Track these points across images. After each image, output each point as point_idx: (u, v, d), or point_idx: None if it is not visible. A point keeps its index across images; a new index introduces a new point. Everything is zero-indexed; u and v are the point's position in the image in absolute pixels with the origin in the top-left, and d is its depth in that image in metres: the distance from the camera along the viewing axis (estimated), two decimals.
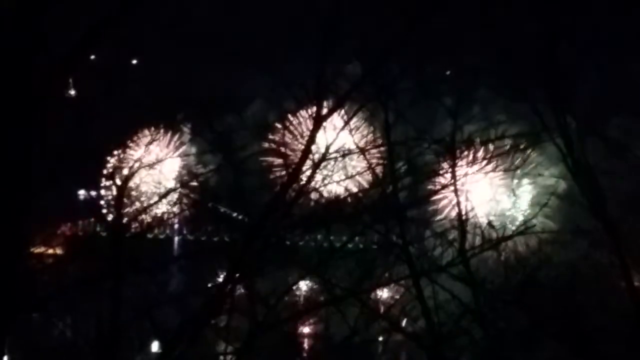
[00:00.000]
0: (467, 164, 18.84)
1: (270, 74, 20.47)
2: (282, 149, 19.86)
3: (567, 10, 18.45)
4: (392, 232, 18.02)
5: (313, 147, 16.16)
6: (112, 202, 19.65)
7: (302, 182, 16.38)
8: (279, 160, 21.26)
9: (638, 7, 20.12)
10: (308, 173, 16.29)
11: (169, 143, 25.20)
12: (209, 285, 19.10)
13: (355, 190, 18.57)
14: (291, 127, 22.35)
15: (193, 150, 24.61)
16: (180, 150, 25.59)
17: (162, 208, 20.58)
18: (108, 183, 21.09)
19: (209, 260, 20.49)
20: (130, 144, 23.92)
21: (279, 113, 22.66)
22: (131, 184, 19.98)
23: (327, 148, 16.51)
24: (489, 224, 19.07)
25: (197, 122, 23.17)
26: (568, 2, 18.67)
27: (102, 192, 23.65)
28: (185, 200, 21.21)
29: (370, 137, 19.85)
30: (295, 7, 18.17)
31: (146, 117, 22.80)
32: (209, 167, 22.52)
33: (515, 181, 21.21)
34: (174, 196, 20.85)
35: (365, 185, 19.30)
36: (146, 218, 19.23)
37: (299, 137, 21.10)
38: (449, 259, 17.90)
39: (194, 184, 21.73)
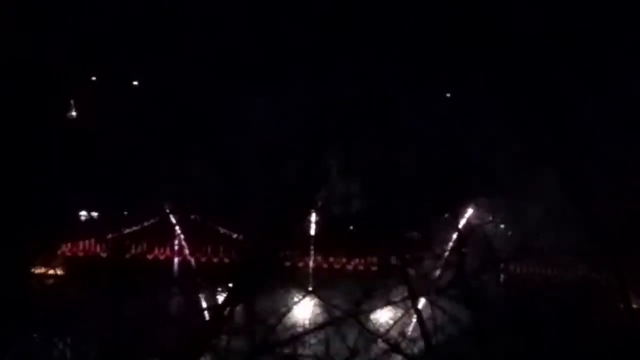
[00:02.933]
0: (467, 185, 18.88)
1: (271, 96, 20.52)
2: (283, 172, 19.90)
3: (567, 34, 18.52)
4: (391, 253, 18.05)
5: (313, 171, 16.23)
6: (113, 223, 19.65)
7: (303, 205, 16.44)
8: (280, 183, 21.28)
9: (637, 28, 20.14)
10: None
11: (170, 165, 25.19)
12: (209, 305, 19.08)
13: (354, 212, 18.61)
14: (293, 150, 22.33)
15: (194, 171, 24.61)
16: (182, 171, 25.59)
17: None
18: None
19: (209, 281, 20.48)
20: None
21: (281, 136, 22.67)
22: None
23: (328, 172, 16.57)
24: (489, 246, 19.08)
25: (199, 143, 23.21)
26: (568, 26, 18.73)
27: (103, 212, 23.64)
28: (185, 221, 21.26)
29: (370, 159, 19.89)
30: (297, 32, 18.30)
31: (147, 138, 22.82)
32: (211, 188, 22.52)
33: (515, 203, 21.19)
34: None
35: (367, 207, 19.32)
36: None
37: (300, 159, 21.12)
38: (448, 281, 17.91)
39: (195, 204, 21.73)
